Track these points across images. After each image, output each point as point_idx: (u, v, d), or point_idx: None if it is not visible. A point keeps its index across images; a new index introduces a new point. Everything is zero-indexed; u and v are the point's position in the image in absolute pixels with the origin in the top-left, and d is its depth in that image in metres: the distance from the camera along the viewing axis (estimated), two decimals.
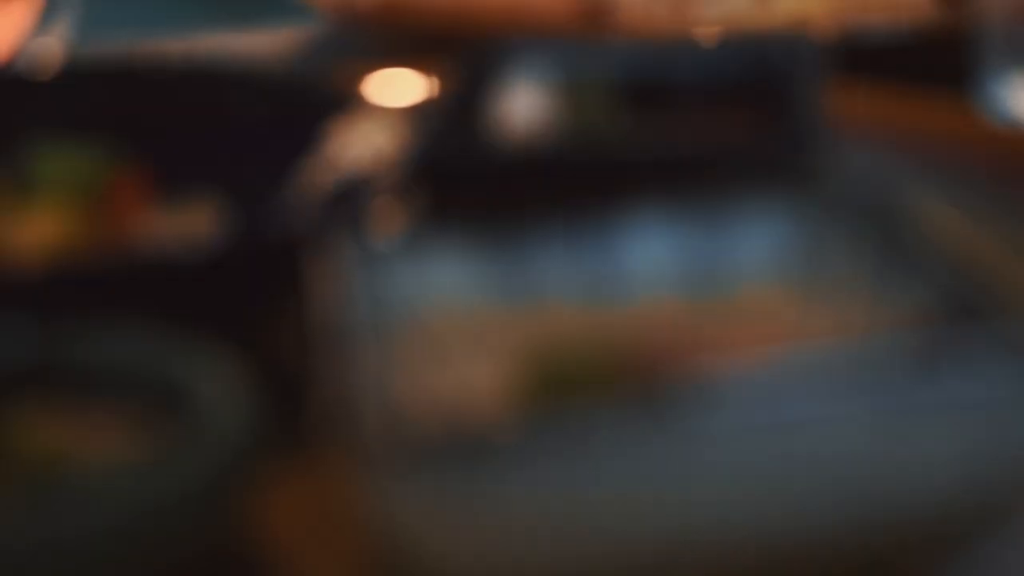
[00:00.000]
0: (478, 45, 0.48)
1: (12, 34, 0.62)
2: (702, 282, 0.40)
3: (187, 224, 0.44)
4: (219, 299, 0.40)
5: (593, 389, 0.35)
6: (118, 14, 0.78)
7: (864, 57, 0.59)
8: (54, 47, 0.62)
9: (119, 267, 0.40)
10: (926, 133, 0.52)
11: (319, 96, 0.46)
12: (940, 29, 0.64)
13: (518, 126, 0.45)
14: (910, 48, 0.63)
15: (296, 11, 0.75)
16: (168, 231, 0.44)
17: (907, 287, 0.38)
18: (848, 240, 0.40)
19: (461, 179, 0.42)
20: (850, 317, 0.38)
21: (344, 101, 0.46)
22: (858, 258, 0.39)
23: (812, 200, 0.41)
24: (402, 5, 0.67)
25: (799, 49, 0.47)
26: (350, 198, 0.42)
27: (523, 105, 0.45)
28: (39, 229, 0.42)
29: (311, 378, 0.37)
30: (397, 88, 0.50)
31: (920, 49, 0.63)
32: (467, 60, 0.47)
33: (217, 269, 0.40)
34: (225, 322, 0.39)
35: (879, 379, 0.33)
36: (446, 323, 0.39)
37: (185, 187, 0.45)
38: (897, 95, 0.56)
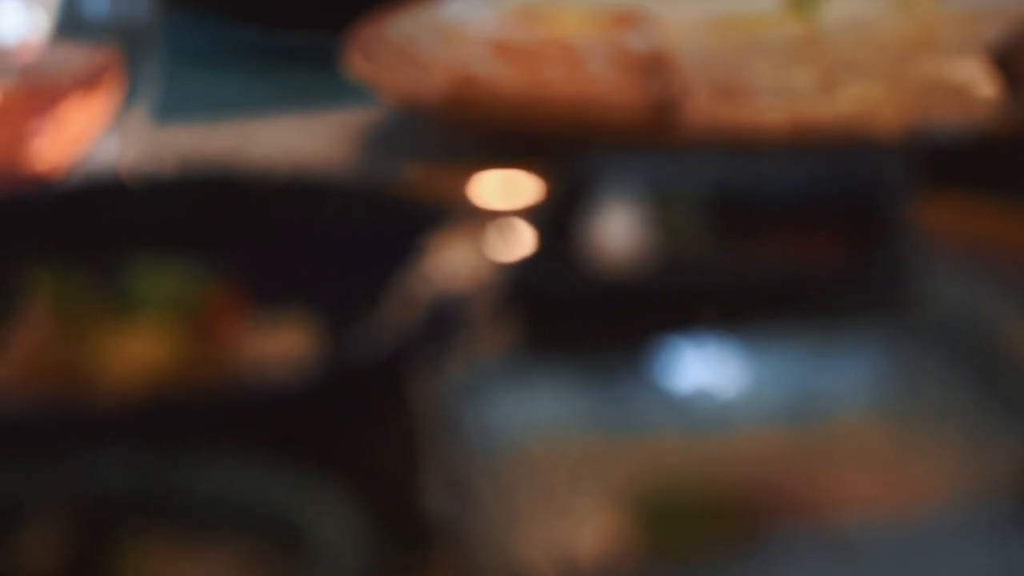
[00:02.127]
0: (567, 159, 0.48)
1: (93, 130, 0.62)
2: (798, 413, 0.40)
3: (282, 342, 0.44)
4: (320, 424, 0.40)
5: (698, 528, 0.36)
6: (190, 97, 0.79)
7: (937, 160, 0.59)
8: (142, 151, 0.63)
9: (220, 394, 0.40)
10: (1008, 245, 0.52)
11: (416, 210, 0.47)
12: (1013, 126, 0.64)
13: (609, 244, 0.45)
14: (982, 149, 0.63)
15: (361, 97, 0.75)
16: (263, 349, 0.44)
17: (1009, 421, 0.38)
18: (946, 369, 0.40)
19: (555, 303, 0.43)
20: (951, 453, 0.38)
21: (441, 215, 0.46)
22: (957, 389, 0.40)
23: (907, 325, 0.42)
24: (471, 96, 0.67)
25: (886, 161, 0.48)
26: (447, 319, 0.43)
27: (613, 221, 0.46)
28: (138, 350, 0.43)
29: (418, 507, 0.38)
30: (488, 197, 0.51)
31: (992, 150, 0.63)
32: (558, 176, 0.47)
33: (318, 395, 0.40)
34: (327, 448, 0.40)
35: (984, 534, 0.33)
36: (546, 454, 0.39)
37: (278, 302, 0.46)
38: (973, 202, 0.56)
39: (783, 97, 0.73)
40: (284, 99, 0.83)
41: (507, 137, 0.66)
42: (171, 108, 0.72)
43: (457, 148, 0.70)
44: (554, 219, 0.45)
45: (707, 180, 0.47)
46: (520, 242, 0.45)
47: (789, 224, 0.46)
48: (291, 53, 0.87)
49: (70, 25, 0.65)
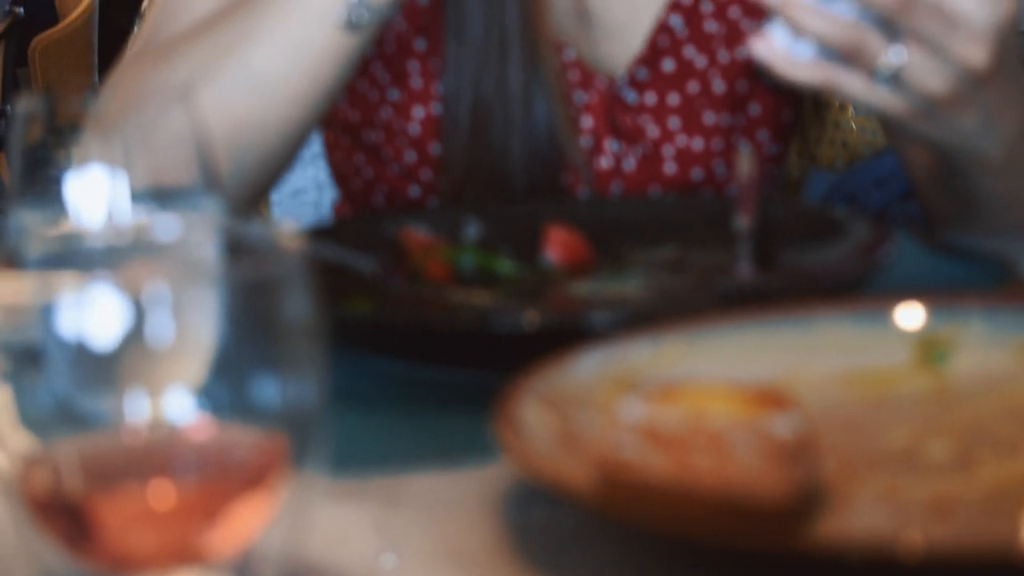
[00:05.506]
0: None
1: (261, 519, 0.64)
2: None
3: None
4: None
5: None
6: (344, 444, 0.81)
7: None
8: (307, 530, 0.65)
9: None
10: None
11: None
12: None
13: None
14: None
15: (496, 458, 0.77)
16: None
17: None
18: None
19: None
20: None
21: None
22: None
23: None
24: (620, 483, 0.69)
25: None
26: None
27: None
28: None
29: None
30: None
31: None
32: None
33: None
34: None
35: None
36: None
37: None
38: None
39: (922, 473, 0.75)
40: (434, 445, 0.85)
41: (656, 524, 0.67)
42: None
43: (604, 522, 0.72)
44: None
45: None
46: None
47: None
48: (443, 388, 0.90)
49: (239, 409, 0.68)
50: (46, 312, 0.62)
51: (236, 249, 0.68)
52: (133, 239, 0.69)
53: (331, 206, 1.59)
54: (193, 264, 0.68)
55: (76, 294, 0.62)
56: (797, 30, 1.01)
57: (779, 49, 1.02)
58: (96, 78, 6.95)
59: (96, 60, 6.98)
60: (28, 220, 0.88)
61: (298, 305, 0.67)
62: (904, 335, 0.87)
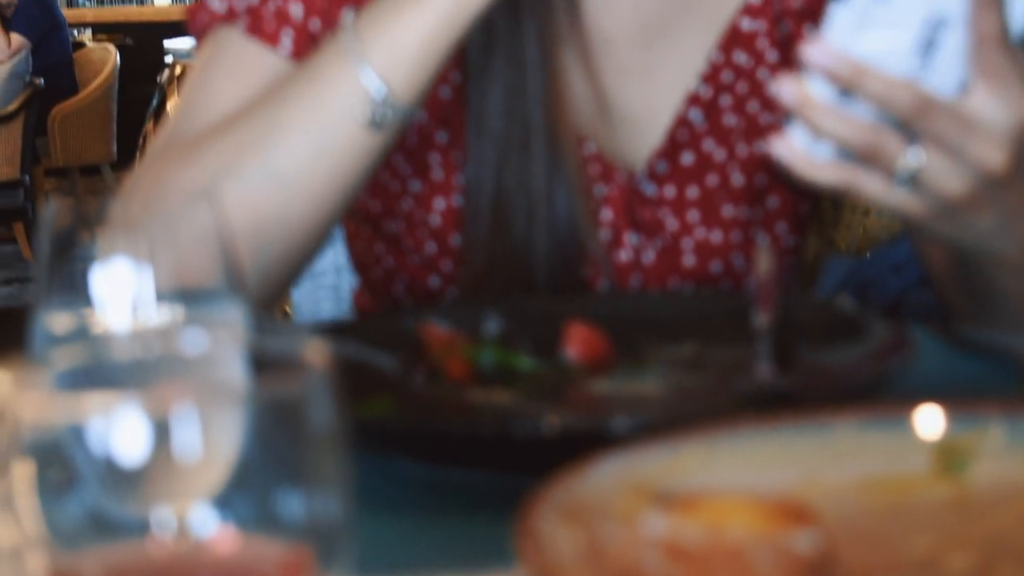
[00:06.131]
0: None
1: None
2: None
3: None
4: None
5: None
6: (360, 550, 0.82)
7: None
8: None
9: None
10: None
11: None
12: None
13: None
14: None
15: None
16: None
17: None
18: None
19: None
20: None
21: None
22: None
23: None
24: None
25: None
26: None
27: None
28: None
29: None
30: None
31: None
32: None
33: None
34: None
35: None
36: None
37: None
38: None
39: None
40: (454, 549, 0.85)
41: None
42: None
43: None
44: None
45: None
46: None
47: None
48: (462, 490, 0.90)
49: (264, 522, 0.68)
50: (74, 431, 0.63)
51: (261, 362, 0.69)
52: (159, 352, 0.69)
53: (349, 290, 1.60)
54: (220, 381, 0.68)
55: (104, 416, 0.62)
56: (816, 132, 1.02)
57: (798, 150, 1.03)
58: (114, 147, 6.98)
59: (115, 129, 7.03)
60: (54, 323, 0.89)
61: (323, 418, 0.68)
62: (923, 443, 0.87)
